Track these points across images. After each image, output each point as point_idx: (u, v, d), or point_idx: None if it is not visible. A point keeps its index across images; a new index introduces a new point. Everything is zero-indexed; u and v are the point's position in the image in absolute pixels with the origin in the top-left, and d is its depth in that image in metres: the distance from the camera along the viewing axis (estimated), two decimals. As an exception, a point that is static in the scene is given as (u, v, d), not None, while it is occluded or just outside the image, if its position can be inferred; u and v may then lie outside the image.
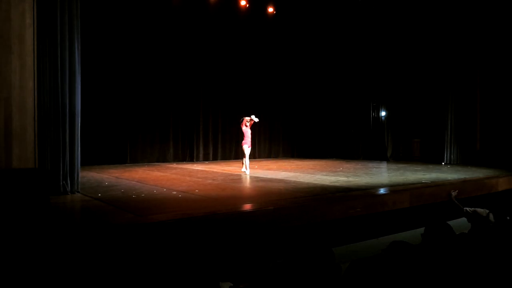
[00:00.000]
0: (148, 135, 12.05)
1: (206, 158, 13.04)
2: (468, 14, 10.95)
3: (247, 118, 8.93)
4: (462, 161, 11.11)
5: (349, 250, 4.79)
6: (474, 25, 10.94)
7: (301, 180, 7.48)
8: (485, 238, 2.80)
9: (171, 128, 12.50)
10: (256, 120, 8.93)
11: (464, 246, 2.53)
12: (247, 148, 8.90)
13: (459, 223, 4.95)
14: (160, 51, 12.08)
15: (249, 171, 8.80)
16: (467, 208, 4.47)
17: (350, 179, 7.64)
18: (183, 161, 12.60)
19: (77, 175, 6.06)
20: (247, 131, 8.93)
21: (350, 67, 14.02)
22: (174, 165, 11.30)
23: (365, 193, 5.96)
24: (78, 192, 5.96)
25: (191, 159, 12.82)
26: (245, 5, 13.29)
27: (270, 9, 13.89)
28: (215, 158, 13.22)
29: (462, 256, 2.36)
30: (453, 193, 5.32)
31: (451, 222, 4.78)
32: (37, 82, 5.59)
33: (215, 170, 9.68)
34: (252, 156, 14.31)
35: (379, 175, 8.36)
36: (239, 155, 13.86)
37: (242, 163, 9.09)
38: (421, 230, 2.81)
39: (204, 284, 2.18)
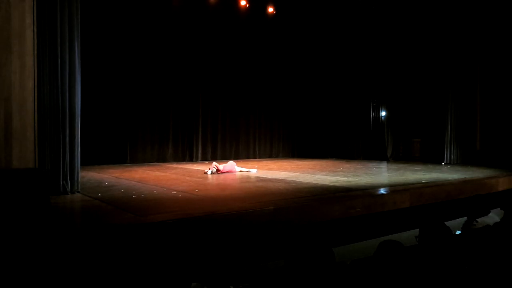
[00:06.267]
0: (148, 135, 12.05)
1: (205, 158, 13.04)
2: (468, 14, 10.96)
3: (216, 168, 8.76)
4: (462, 161, 11.11)
5: (349, 250, 4.79)
6: (474, 24, 10.94)
7: (301, 180, 7.48)
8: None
9: (171, 128, 12.50)
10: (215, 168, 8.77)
11: (460, 247, 2.53)
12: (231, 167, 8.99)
13: (458, 224, 4.95)
14: (160, 51, 12.07)
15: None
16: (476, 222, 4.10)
17: (350, 179, 7.64)
18: (183, 161, 12.60)
19: (77, 175, 6.06)
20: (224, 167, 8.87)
21: (350, 67, 14.02)
22: (174, 165, 11.30)
23: (365, 193, 5.96)
24: (78, 192, 5.96)
25: (191, 158, 12.82)
26: (245, 5, 13.30)
27: (270, 9, 13.89)
28: (214, 157, 13.21)
29: (458, 257, 2.36)
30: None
31: (450, 222, 4.77)
32: (37, 82, 5.59)
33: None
34: (253, 156, 14.37)
35: (379, 175, 8.36)
36: (239, 155, 13.91)
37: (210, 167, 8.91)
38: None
39: (204, 284, 2.18)
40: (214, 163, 9.01)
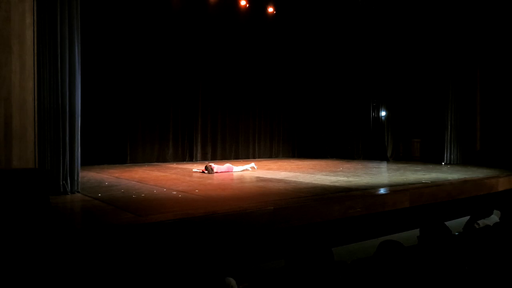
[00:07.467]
0: (148, 135, 12.05)
1: (204, 158, 13.04)
2: (468, 13, 10.96)
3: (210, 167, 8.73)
4: (462, 161, 11.12)
5: (349, 250, 4.79)
6: (474, 24, 10.95)
7: (301, 180, 7.48)
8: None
9: (171, 128, 12.51)
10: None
11: (459, 247, 2.53)
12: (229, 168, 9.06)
13: (458, 223, 4.95)
14: (159, 51, 12.07)
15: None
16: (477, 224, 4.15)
17: (350, 179, 7.64)
18: (183, 161, 12.60)
19: (77, 175, 6.06)
20: (219, 168, 8.87)
21: (350, 67, 14.02)
22: (174, 165, 11.30)
23: (365, 193, 5.96)
24: (78, 192, 5.96)
25: (191, 158, 12.83)
26: (245, 5, 13.30)
27: (270, 9, 13.90)
28: (214, 157, 13.23)
29: (458, 257, 2.36)
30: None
31: (450, 223, 4.78)
32: (37, 82, 5.60)
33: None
34: (252, 156, 14.37)
35: (379, 175, 8.36)
36: (239, 155, 13.91)
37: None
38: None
39: (204, 284, 2.18)
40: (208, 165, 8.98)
